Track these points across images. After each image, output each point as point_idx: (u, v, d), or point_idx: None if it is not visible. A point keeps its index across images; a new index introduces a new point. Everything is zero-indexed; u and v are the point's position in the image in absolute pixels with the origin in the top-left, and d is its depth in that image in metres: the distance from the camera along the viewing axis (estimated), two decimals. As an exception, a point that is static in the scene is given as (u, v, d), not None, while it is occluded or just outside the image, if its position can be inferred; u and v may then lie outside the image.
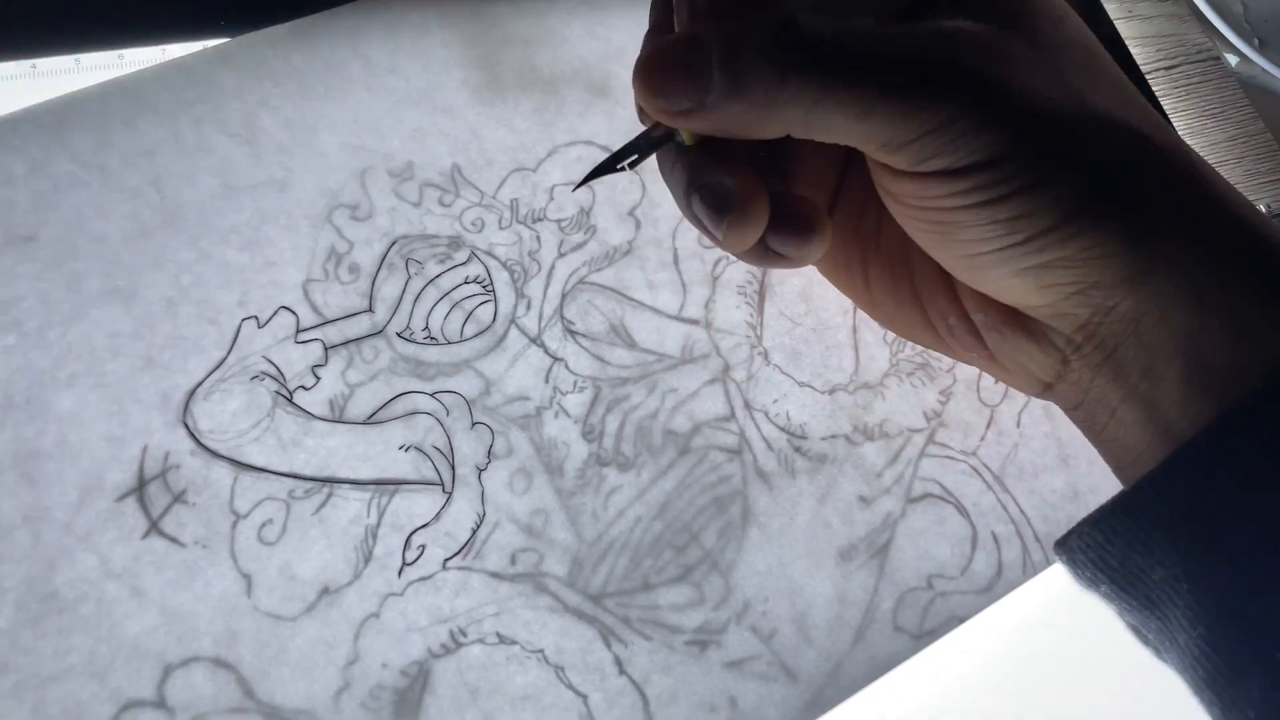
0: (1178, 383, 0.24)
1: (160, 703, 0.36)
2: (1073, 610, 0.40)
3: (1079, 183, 0.23)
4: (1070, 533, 0.26)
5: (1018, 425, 0.41)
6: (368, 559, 0.39)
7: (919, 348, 0.42)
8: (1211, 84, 0.52)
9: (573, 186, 0.41)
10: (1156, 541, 0.24)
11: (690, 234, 0.44)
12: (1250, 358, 0.23)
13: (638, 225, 0.43)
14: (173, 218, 0.44)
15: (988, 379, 0.42)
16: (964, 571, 0.39)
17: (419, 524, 0.39)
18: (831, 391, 0.41)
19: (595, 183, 0.44)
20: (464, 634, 0.37)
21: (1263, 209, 0.49)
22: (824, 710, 0.36)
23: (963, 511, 0.40)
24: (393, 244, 0.45)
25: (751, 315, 0.42)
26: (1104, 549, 0.25)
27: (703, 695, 0.36)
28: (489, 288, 0.44)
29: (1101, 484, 0.40)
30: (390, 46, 0.49)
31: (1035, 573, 0.39)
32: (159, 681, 0.36)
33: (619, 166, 0.30)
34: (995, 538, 0.39)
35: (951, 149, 0.23)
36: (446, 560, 0.39)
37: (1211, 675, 0.23)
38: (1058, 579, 0.39)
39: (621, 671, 0.36)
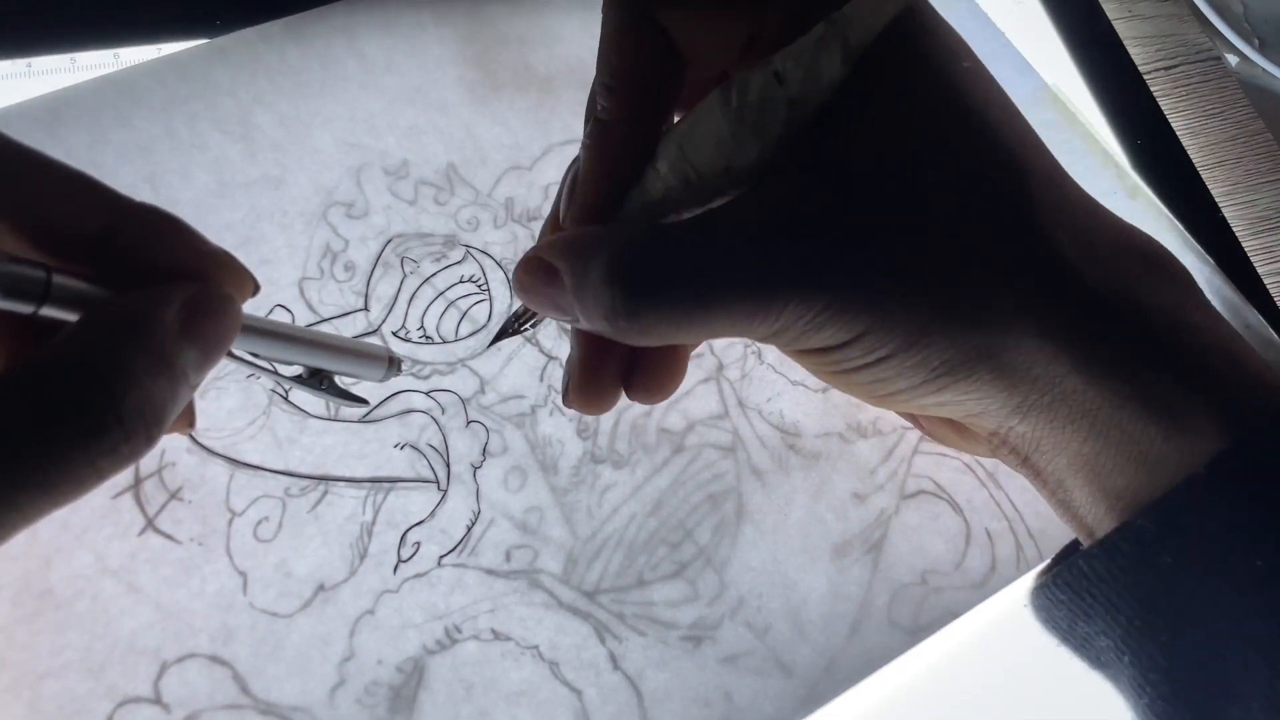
0: (1086, 500, 0.25)
1: (156, 699, 0.36)
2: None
3: (936, 348, 0.24)
4: (1031, 590, 0.27)
5: (1011, 422, 0.42)
6: (363, 556, 0.39)
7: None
8: (1211, 84, 0.52)
9: (486, 345, 0.42)
10: (1096, 613, 0.24)
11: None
12: (1149, 482, 0.24)
13: (633, 223, 0.44)
14: (168, 216, 0.44)
15: None
16: (958, 567, 0.39)
17: (414, 521, 0.39)
18: (825, 390, 0.42)
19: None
20: (459, 630, 0.37)
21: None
22: (819, 705, 0.36)
23: (956, 508, 0.40)
24: (388, 242, 0.45)
25: (746, 313, 0.43)
26: (1053, 612, 0.26)
27: (698, 690, 0.36)
28: (484, 287, 0.44)
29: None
30: (386, 44, 0.50)
31: (1029, 568, 0.39)
32: (155, 678, 0.36)
33: (521, 328, 0.31)
34: (989, 534, 0.40)
35: (804, 339, 0.24)
36: (442, 557, 0.39)
37: None
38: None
39: (616, 667, 0.36)
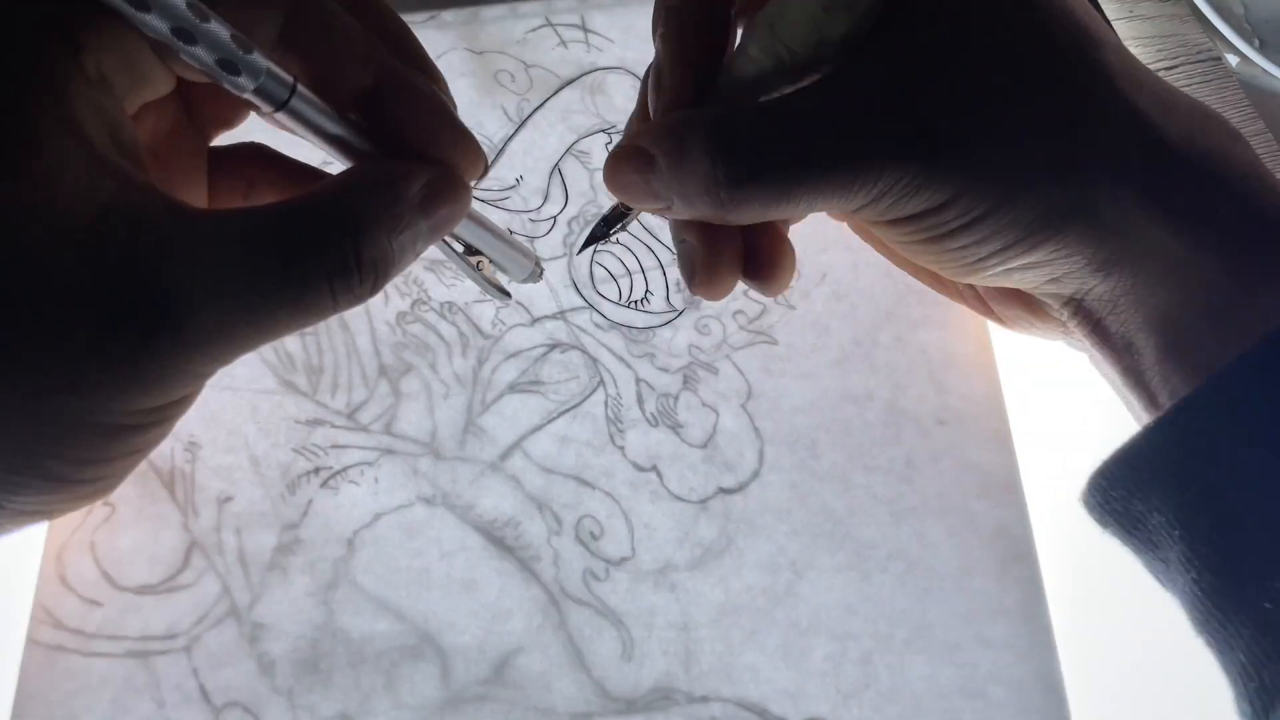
0: (1155, 359, 0.26)
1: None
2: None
3: (1030, 203, 0.24)
4: (1089, 479, 0.27)
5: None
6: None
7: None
8: (1211, 84, 0.52)
9: (578, 251, 0.40)
10: (1152, 490, 0.25)
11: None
12: (1223, 339, 0.24)
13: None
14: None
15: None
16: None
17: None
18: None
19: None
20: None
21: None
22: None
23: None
24: (574, 255, 0.40)
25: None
26: (1109, 493, 0.27)
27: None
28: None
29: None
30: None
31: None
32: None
33: (610, 233, 0.31)
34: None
35: (896, 208, 0.25)
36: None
37: (1205, 618, 0.25)
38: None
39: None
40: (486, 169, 0.26)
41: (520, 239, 0.30)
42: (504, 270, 0.29)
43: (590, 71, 0.44)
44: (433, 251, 0.27)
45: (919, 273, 0.33)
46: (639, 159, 0.25)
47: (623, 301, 0.40)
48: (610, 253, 0.40)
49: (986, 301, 0.32)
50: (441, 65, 0.30)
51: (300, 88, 0.22)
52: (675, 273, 0.40)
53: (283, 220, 0.22)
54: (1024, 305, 0.31)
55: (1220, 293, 0.24)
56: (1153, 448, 0.25)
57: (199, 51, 0.20)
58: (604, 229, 0.29)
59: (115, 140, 0.21)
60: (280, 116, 0.22)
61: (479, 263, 0.28)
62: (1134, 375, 0.27)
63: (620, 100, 0.43)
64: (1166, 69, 0.53)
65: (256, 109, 0.22)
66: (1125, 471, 0.26)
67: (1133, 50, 0.54)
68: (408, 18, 0.42)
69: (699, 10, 0.26)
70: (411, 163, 0.24)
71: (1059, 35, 0.25)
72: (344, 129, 0.23)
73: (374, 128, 0.24)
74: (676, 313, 0.39)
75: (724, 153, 0.24)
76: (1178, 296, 0.25)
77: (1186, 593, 0.26)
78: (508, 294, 0.30)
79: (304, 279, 0.22)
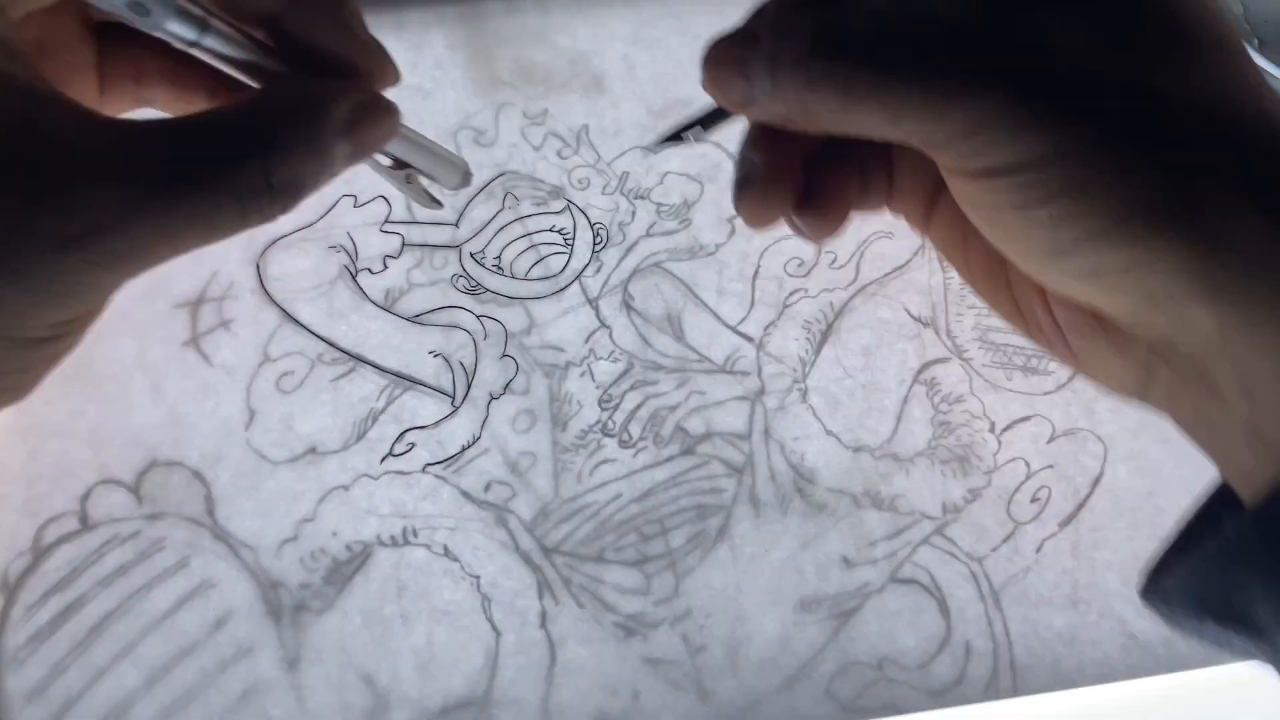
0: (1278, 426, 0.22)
1: (134, 489, 0.37)
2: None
3: (1134, 184, 0.22)
4: (1157, 568, 0.25)
5: (1038, 550, 0.40)
6: (360, 437, 0.40)
7: (964, 437, 0.41)
8: None
9: (655, 144, 0.43)
10: (1257, 578, 0.22)
11: (778, 256, 0.45)
12: None
13: (732, 232, 0.45)
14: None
15: (1024, 493, 0.41)
16: (922, 667, 0.37)
17: (418, 424, 0.41)
18: (856, 449, 0.41)
19: (705, 180, 0.46)
20: (415, 534, 0.39)
21: None
22: (722, 742, 0.36)
23: (944, 611, 0.38)
24: (500, 175, 0.47)
25: (807, 351, 0.43)
26: (1199, 589, 0.24)
27: (610, 678, 0.36)
28: (570, 241, 0.46)
29: (1105, 638, 0.38)
30: (540, 20, 0.53)
31: (997, 697, 0.37)
32: (141, 470, 0.38)
33: (685, 136, 0.32)
34: (968, 648, 0.38)
35: (991, 149, 0.22)
36: (428, 465, 0.40)
37: None
38: (1018, 713, 0.37)
39: (543, 625, 0.37)
40: (398, 77, 0.26)
41: (443, 146, 0.33)
42: (434, 179, 0.29)
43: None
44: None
45: (995, 296, 0.30)
46: (743, 38, 0.24)
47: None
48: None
49: (1064, 330, 0.29)
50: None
51: (212, 20, 0.23)
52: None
53: (196, 138, 0.22)
54: (1106, 338, 0.27)
55: None
56: (1264, 529, 0.23)
57: None
58: (677, 133, 0.29)
59: (5, 50, 0.21)
60: (194, 51, 0.23)
61: (408, 175, 0.29)
62: (1251, 430, 0.24)
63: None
64: None
65: (163, 49, 0.23)
66: (1220, 563, 0.24)
67: None
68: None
69: None
70: (333, 84, 0.24)
71: (1211, 24, 0.23)
72: (257, 54, 0.24)
73: (283, 50, 0.24)
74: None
75: (830, 36, 0.22)
76: None
77: None
78: (439, 203, 0.32)
79: (215, 199, 0.22)
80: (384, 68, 0.26)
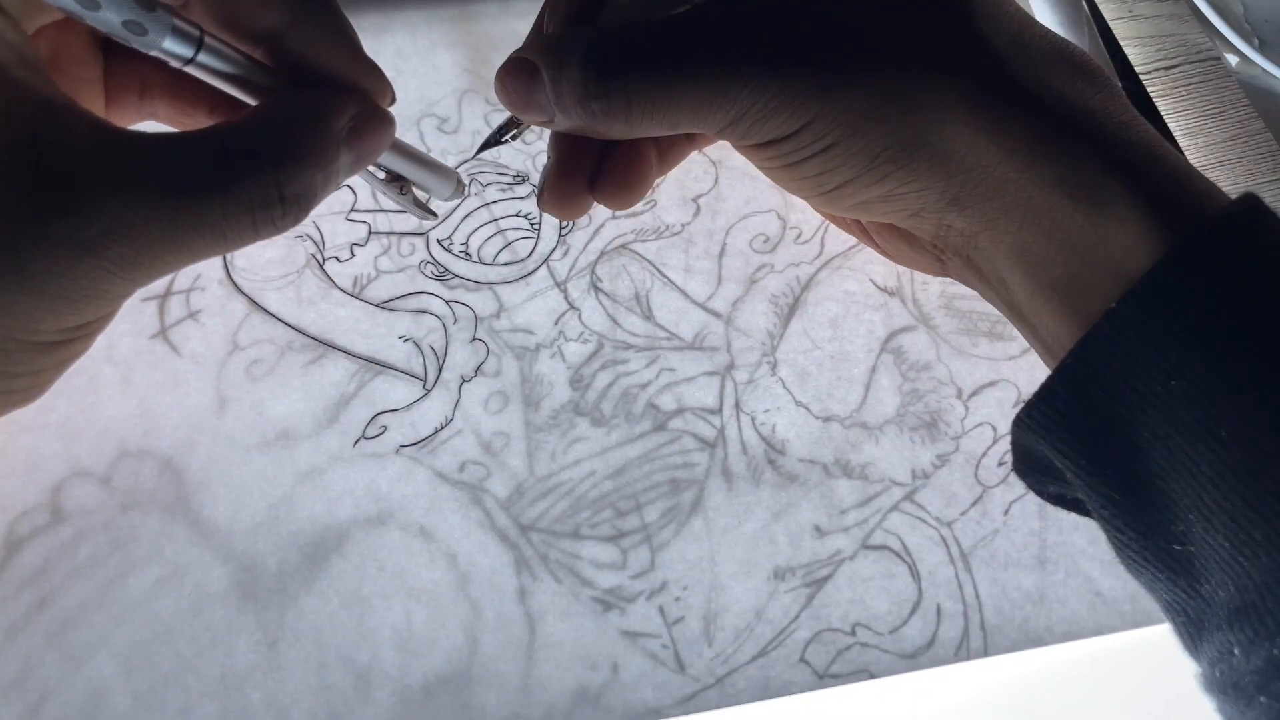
0: (1026, 293, 0.27)
1: (106, 479, 0.37)
2: (994, 712, 0.38)
3: (878, 135, 0.26)
4: (1011, 449, 0.30)
5: (1005, 513, 0.41)
6: (332, 421, 0.40)
7: (931, 404, 0.42)
8: (1211, 84, 0.52)
9: (476, 152, 0.45)
10: (1051, 462, 0.26)
11: (743, 233, 0.46)
12: (1080, 269, 0.25)
13: (697, 211, 0.45)
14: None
15: (991, 457, 0.42)
16: (893, 631, 0.38)
17: (390, 408, 0.41)
18: (826, 419, 0.42)
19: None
20: (391, 515, 0.39)
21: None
22: (700, 710, 0.36)
23: (915, 575, 0.39)
24: (464, 162, 0.48)
25: (775, 325, 0.43)
26: (1021, 467, 0.29)
27: (588, 651, 0.37)
28: (536, 225, 0.47)
29: (1072, 596, 0.39)
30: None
31: (968, 658, 0.38)
32: (113, 461, 0.38)
33: (503, 139, 0.33)
34: (939, 610, 0.39)
35: (755, 131, 0.27)
36: (402, 446, 0.40)
37: (1129, 564, 0.27)
38: (988, 673, 0.38)
39: (521, 601, 0.37)
40: (394, 98, 0.28)
41: (439, 159, 0.33)
42: (428, 191, 0.31)
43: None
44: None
45: (813, 205, 0.35)
46: (526, 69, 0.27)
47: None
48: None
49: (871, 235, 0.35)
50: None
51: (207, 37, 0.23)
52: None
53: (209, 149, 0.23)
54: (903, 239, 0.33)
55: (1071, 227, 0.26)
56: (1042, 417, 0.27)
57: (104, 16, 0.20)
58: (496, 136, 0.33)
59: (23, 62, 0.22)
60: (191, 69, 0.23)
61: (402, 187, 0.30)
62: (1011, 309, 0.29)
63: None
64: (1166, 69, 0.54)
65: (166, 64, 0.23)
66: (1026, 449, 0.28)
67: (1132, 50, 0.55)
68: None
69: None
70: (335, 95, 0.25)
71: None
72: (255, 72, 0.24)
73: (282, 68, 0.25)
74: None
75: (597, 64, 0.26)
76: (1030, 234, 0.26)
77: (1110, 541, 0.27)
78: (433, 213, 0.33)
79: (225, 210, 0.23)
80: (381, 84, 0.27)
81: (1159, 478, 0.24)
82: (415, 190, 0.31)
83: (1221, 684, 0.25)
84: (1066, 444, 0.26)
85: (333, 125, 0.24)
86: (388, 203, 0.44)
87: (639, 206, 0.45)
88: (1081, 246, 0.25)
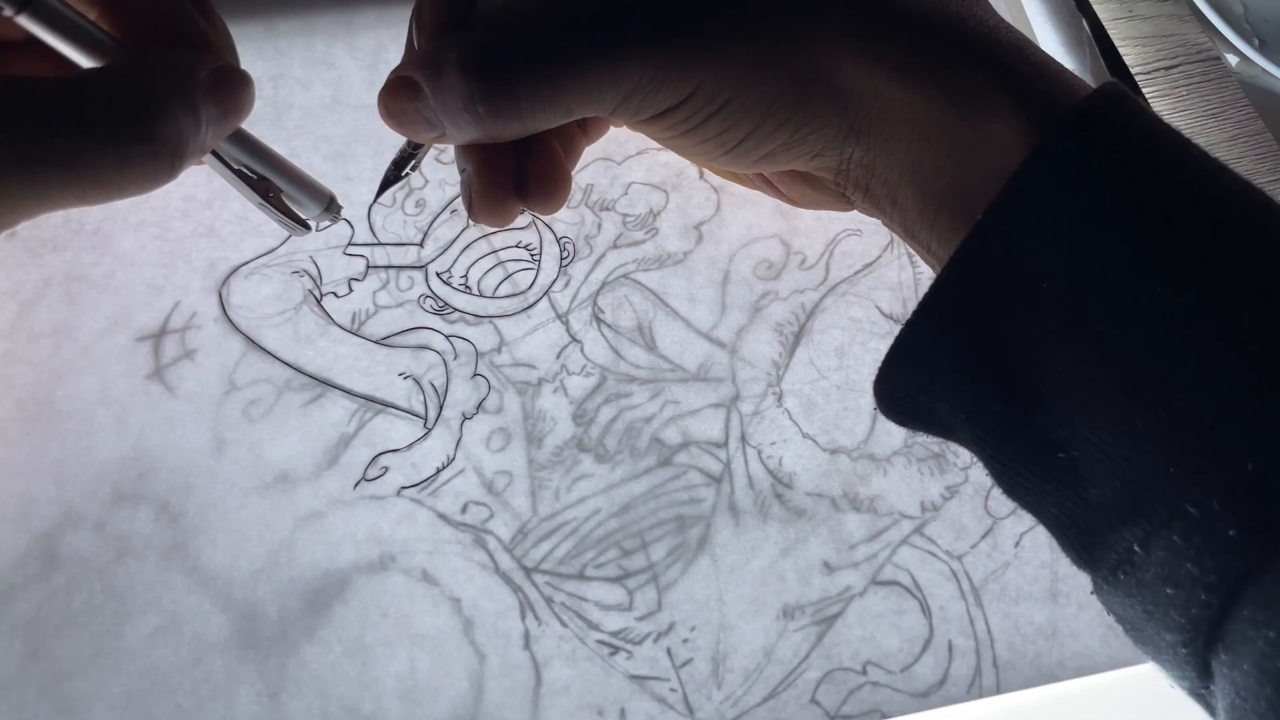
0: (918, 210, 0.27)
1: (99, 526, 0.37)
2: (1012, 751, 0.38)
3: (769, 82, 0.26)
4: (874, 383, 0.29)
5: (1016, 545, 0.40)
6: (332, 463, 0.39)
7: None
8: (1211, 84, 0.52)
9: (376, 196, 0.44)
10: (933, 380, 0.26)
11: (746, 260, 0.45)
12: (966, 176, 0.25)
13: (699, 239, 0.45)
14: (279, 114, 0.48)
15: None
16: (905, 670, 0.37)
17: (391, 448, 0.41)
18: (834, 452, 0.41)
19: (670, 189, 0.46)
20: (393, 560, 0.38)
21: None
22: (710, 755, 0.36)
23: (926, 611, 0.39)
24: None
25: (780, 354, 0.43)
26: (895, 395, 0.28)
27: (596, 697, 0.36)
28: (536, 256, 0.46)
29: (1085, 629, 0.39)
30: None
31: (980, 695, 0.37)
32: (107, 506, 0.37)
33: (402, 174, 0.32)
34: (951, 647, 0.38)
35: (646, 106, 0.27)
36: (403, 488, 0.39)
37: (1010, 485, 0.26)
38: (1001, 710, 0.38)
39: (526, 646, 0.37)
40: (236, 56, 0.28)
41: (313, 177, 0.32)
42: (298, 203, 0.30)
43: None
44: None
45: (714, 169, 0.36)
46: (406, 87, 0.26)
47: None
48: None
49: (776, 186, 0.34)
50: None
51: None
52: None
53: (81, 90, 0.23)
54: (807, 184, 0.32)
55: (954, 135, 0.26)
56: (918, 340, 0.26)
57: None
58: (395, 171, 0.32)
59: None
60: (23, 19, 0.23)
61: (270, 193, 0.30)
62: (906, 230, 0.29)
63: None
64: (1166, 69, 0.53)
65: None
66: (901, 370, 0.27)
67: (1132, 50, 0.54)
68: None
69: None
70: (193, 50, 0.25)
71: None
72: (96, 32, 0.24)
73: (125, 32, 0.25)
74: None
75: (476, 68, 0.25)
76: (919, 149, 0.26)
77: (988, 465, 0.27)
78: (307, 226, 0.32)
79: (93, 150, 0.22)
80: (229, 43, 0.27)
81: (1039, 384, 0.24)
82: (286, 200, 0.30)
83: (1126, 586, 0.25)
84: (946, 362, 0.25)
85: (196, 73, 0.24)
86: (386, 236, 0.44)
87: (640, 235, 0.45)
88: (965, 153, 0.25)
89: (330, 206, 0.31)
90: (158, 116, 0.23)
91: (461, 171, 0.30)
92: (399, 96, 0.27)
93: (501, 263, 0.44)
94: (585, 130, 0.35)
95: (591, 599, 0.38)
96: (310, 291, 0.42)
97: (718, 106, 0.27)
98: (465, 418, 0.41)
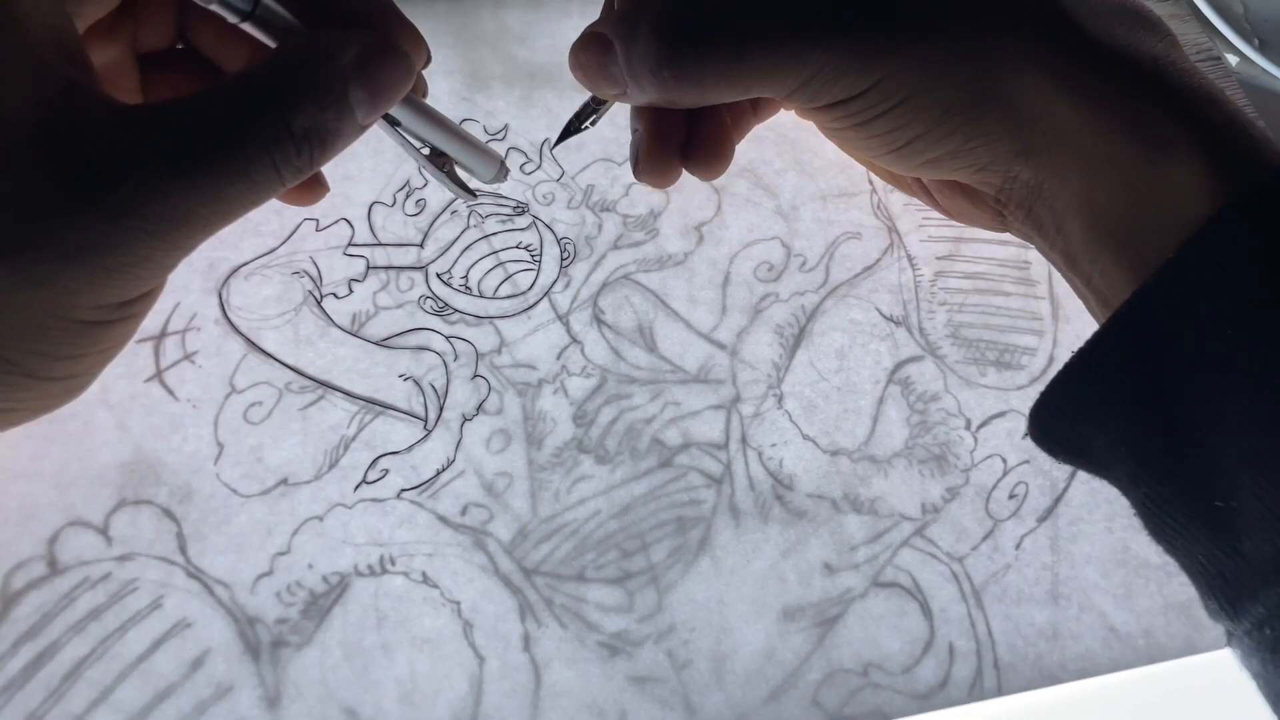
0: (1083, 239, 0.27)
1: (103, 530, 0.36)
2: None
3: (947, 89, 0.26)
4: (1031, 412, 0.29)
5: (1017, 547, 0.40)
6: (332, 466, 0.39)
7: (940, 435, 0.42)
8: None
9: (551, 145, 0.45)
10: (1094, 412, 0.26)
11: (747, 262, 0.45)
12: (1145, 214, 0.25)
13: (700, 240, 0.45)
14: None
15: (1001, 490, 0.41)
16: (906, 671, 0.37)
17: (391, 450, 0.40)
18: (834, 453, 0.41)
19: (671, 190, 0.46)
20: (393, 562, 0.37)
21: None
22: (710, 757, 0.35)
23: (927, 612, 0.38)
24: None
25: (780, 356, 0.42)
26: (1054, 425, 0.28)
27: (596, 699, 0.36)
28: (537, 257, 0.46)
29: (1085, 632, 0.38)
30: (526, 18, 0.52)
31: (982, 698, 0.37)
32: (109, 511, 0.36)
33: (583, 126, 0.33)
34: (952, 649, 0.38)
35: (824, 93, 0.27)
36: (403, 490, 0.39)
37: (1160, 526, 0.26)
38: (1001, 712, 0.38)
39: (526, 648, 0.36)
40: (429, 57, 0.28)
41: (485, 140, 0.33)
42: (470, 171, 0.31)
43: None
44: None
45: (873, 168, 0.37)
46: (598, 44, 0.27)
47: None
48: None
49: (933, 194, 0.35)
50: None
51: None
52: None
53: (215, 101, 0.23)
54: (965, 196, 0.32)
55: (1131, 168, 0.26)
56: (1088, 371, 0.26)
57: None
58: (576, 122, 0.32)
59: (61, 48, 0.22)
60: (247, 26, 0.24)
61: (444, 164, 0.30)
62: (1066, 258, 0.29)
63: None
64: None
65: (223, 19, 0.24)
66: (1067, 399, 0.27)
67: None
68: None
69: None
70: (341, 32, 0.25)
71: None
72: (290, 18, 0.25)
73: (305, 15, 0.25)
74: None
75: (668, 34, 0.26)
76: (1093, 178, 0.26)
77: (1140, 505, 0.27)
78: (473, 193, 0.32)
79: (243, 154, 0.23)
80: (401, 23, 0.27)
81: (1206, 430, 0.24)
82: (457, 169, 0.31)
83: (1271, 642, 0.24)
84: (1114, 397, 0.25)
85: (335, 59, 0.24)
86: (386, 236, 0.43)
87: (640, 236, 0.44)
88: (1141, 189, 0.25)
89: (500, 171, 0.31)
90: (295, 115, 0.23)
91: (634, 131, 0.31)
92: (591, 51, 0.27)
93: (502, 263, 0.44)
94: (756, 109, 0.35)
95: (591, 601, 0.38)
96: (310, 292, 0.42)
97: (893, 104, 0.27)
98: (465, 419, 0.41)
